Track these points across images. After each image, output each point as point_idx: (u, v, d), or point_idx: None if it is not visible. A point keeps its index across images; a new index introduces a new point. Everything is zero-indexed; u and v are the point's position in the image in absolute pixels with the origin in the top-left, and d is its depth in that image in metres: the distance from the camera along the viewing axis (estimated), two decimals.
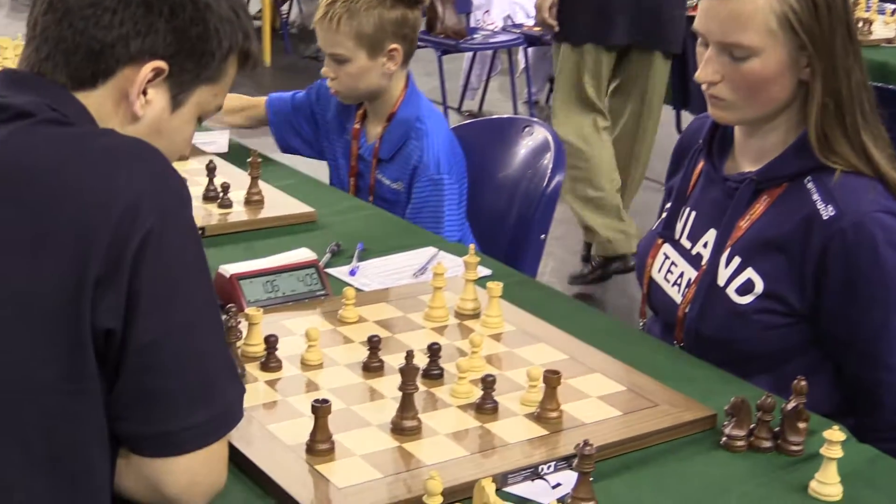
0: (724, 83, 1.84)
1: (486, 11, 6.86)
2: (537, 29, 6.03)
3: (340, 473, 1.46)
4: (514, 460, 1.51)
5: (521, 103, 6.88)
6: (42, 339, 1.25)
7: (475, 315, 1.95)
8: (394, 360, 1.71)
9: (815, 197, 1.80)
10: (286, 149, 2.96)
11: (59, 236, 1.25)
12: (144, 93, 1.38)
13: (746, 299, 1.85)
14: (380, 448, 1.53)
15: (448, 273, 2.01)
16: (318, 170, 2.95)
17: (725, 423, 1.61)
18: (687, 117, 5.55)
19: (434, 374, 1.72)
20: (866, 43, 4.41)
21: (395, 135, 2.68)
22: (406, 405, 1.57)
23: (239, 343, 1.73)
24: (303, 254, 2.08)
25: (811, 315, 1.83)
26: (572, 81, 4.34)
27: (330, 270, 2.15)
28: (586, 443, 1.40)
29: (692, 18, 1.92)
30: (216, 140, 2.91)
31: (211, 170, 2.47)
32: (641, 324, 2.15)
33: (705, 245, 1.94)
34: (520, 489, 1.48)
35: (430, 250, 2.28)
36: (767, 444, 1.59)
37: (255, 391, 1.66)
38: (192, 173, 2.57)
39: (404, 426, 1.56)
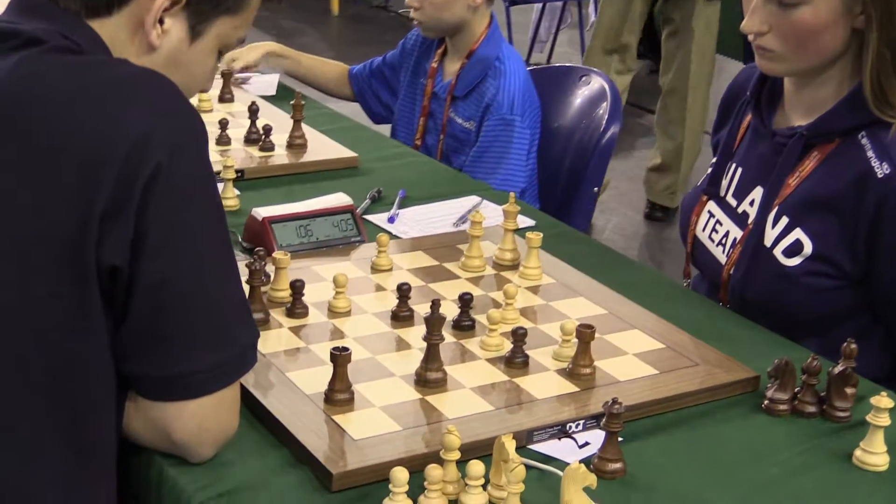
0: (772, 33, 1.74)
1: None
2: None
3: (357, 425, 1.40)
4: (542, 417, 1.45)
5: None
6: (47, 276, 1.21)
7: (514, 266, 1.88)
8: (425, 309, 1.64)
9: (870, 153, 1.71)
10: (376, 118, 2.91)
11: (66, 170, 1.21)
12: (161, 22, 1.33)
13: (794, 261, 1.76)
14: (401, 400, 1.47)
15: (489, 222, 1.94)
16: (364, 116, 2.89)
17: (769, 385, 1.53)
18: None
19: (465, 325, 1.66)
20: None
21: (473, 72, 2.61)
22: (431, 356, 1.50)
23: (265, 287, 1.68)
24: (340, 198, 2.02)
25: (863, 278, 1.74)
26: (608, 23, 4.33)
27: (369, 217, 2.09)
28: (615, 401, 1.34)
29: None
30: (265, 81, 2.86)
31: (253, 111, 2.41)
32: (686, 283, 2.06)
33: (752, 203, 1.84)
34: (545, 447, 1.42)
35: (474, 199, 2.21)
36: (812, 408, 1.51)
37: (278, 337, 1.61)
38: (235, 115, 2.52)
39: (428, 378, 1.50)
